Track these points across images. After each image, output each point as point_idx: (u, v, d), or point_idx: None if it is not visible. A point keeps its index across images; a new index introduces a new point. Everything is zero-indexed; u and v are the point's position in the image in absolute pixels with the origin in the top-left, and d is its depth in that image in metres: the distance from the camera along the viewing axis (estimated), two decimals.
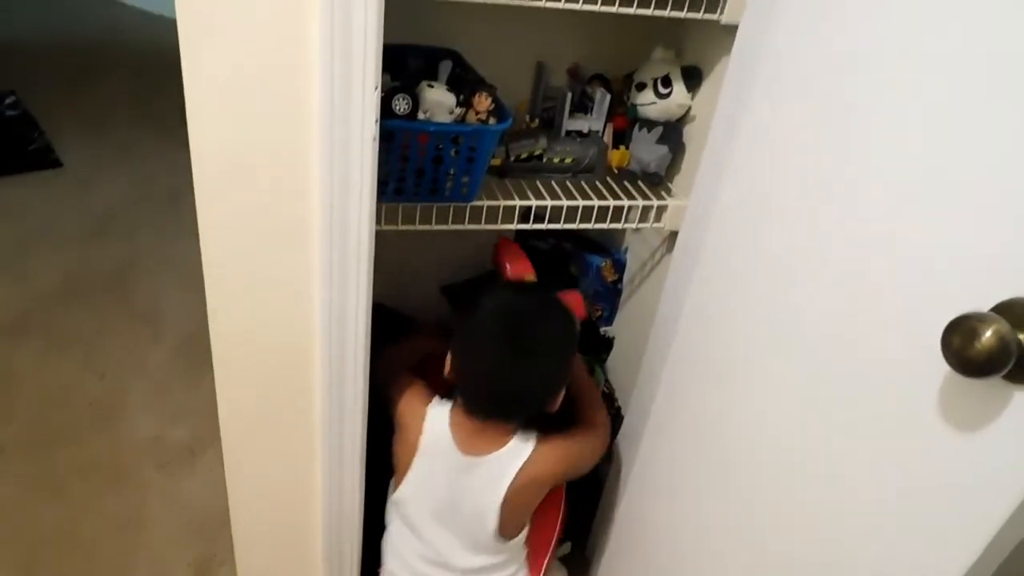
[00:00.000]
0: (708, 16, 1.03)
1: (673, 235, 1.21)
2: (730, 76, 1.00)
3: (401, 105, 0.98)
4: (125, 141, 2.98)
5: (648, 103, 1.19)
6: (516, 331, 1.06)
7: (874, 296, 0.73)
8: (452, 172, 1.06)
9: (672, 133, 1.21)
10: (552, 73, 1.26)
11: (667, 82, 1.17)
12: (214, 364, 0.98)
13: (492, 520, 1.09)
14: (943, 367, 0.58)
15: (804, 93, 0.85)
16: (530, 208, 1.15)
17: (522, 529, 1.16)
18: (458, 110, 1.03)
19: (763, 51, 0.93)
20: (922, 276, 0.67)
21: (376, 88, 0.81)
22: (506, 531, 1.12)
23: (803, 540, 0.84)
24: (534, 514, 1.18)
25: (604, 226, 1.19)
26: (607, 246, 1.51)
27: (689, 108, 1.22)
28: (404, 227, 1.10)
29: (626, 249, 1.49)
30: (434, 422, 1.11)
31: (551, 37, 1.23)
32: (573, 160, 1.20)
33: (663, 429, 1.19)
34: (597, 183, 1.22)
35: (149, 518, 1.61)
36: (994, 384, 0.58)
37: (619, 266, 1.49)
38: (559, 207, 1.15)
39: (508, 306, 1.11)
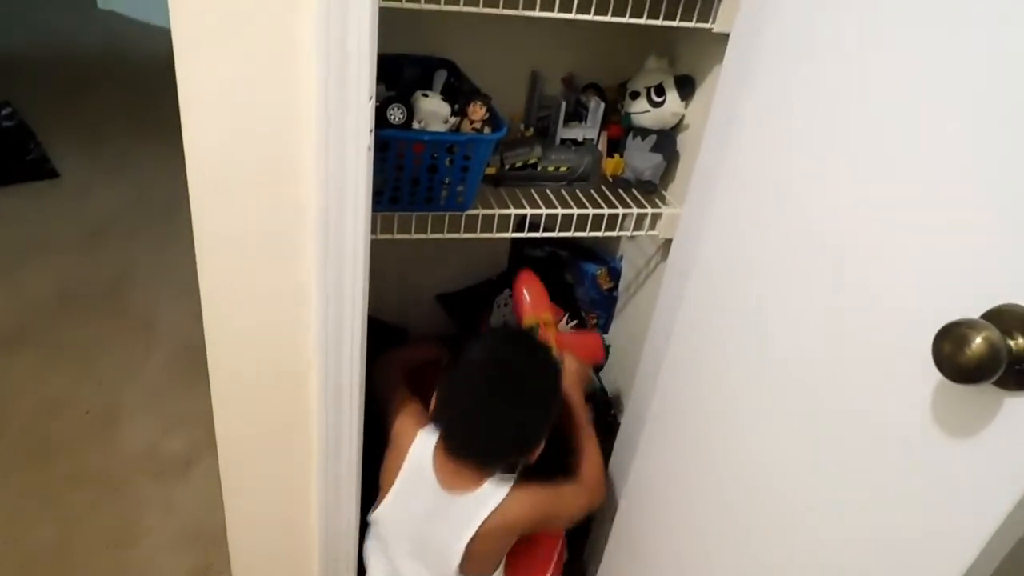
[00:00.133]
0: (700, 25, 1.04)
1: (668, 243, 1.21)
2: (722, 84, 1.01)
3: (396, 115, 0.99)
4: (121, 151, 2.98)
5: (642, 112, 1.20)
6: (498, 380, 1.06)
7: (865, 303, 0.73)
8: (447, 181, 1.07)
9: (666, 141, 1.21)
10: (547, 82, 1.26)
11: (661, 91, 1.18)
12: (210, 375, 0.98)
13: (455, 559, 1.07)
14: (934, 374, 0.58)
15: (795, 101, 0.86)
16: (525, 217, 1.15)
17: (494, 570, 1.15)
18: (453, 119, 1.04)
19: (754, 59, 0.93)
20: (913, 283, 0.67)
21: (371, 99, 0.82)
22: (472, 571, 1.10)
23: (796, 547, 0.84)
24: (529, 557, 1.17)
25: (599, 234, 1.19)
26: (602, 254, 1.52)
27: (683, 116, 1.22)
28: (400, 236, 1.11)
29: (621, 257, 1.49)
30: (420, 449, 1.11)
31: (545, 47, 1.24)
32: (568, 169, 1.20)
33: (659, 435, 1.19)
34: (592, 191, 1.23)
35: (145, 529, 1.60)
36: (985, 390, 0.58)
37: (614, 274, 1.49)
38: (554, 215, 1.16)
39: (495, 354, 1.10)
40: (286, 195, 0.87)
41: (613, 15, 1.00)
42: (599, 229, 1.19)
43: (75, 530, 1.58)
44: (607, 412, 1.48)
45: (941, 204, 0.65)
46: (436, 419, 1.11)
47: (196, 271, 0.90)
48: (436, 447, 1.10)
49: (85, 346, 2.05)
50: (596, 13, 1.00)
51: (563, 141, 1.23)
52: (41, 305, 2.17)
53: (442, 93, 1.06)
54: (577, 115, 1.25)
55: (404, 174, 1.04)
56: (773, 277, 0.89)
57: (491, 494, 1.07)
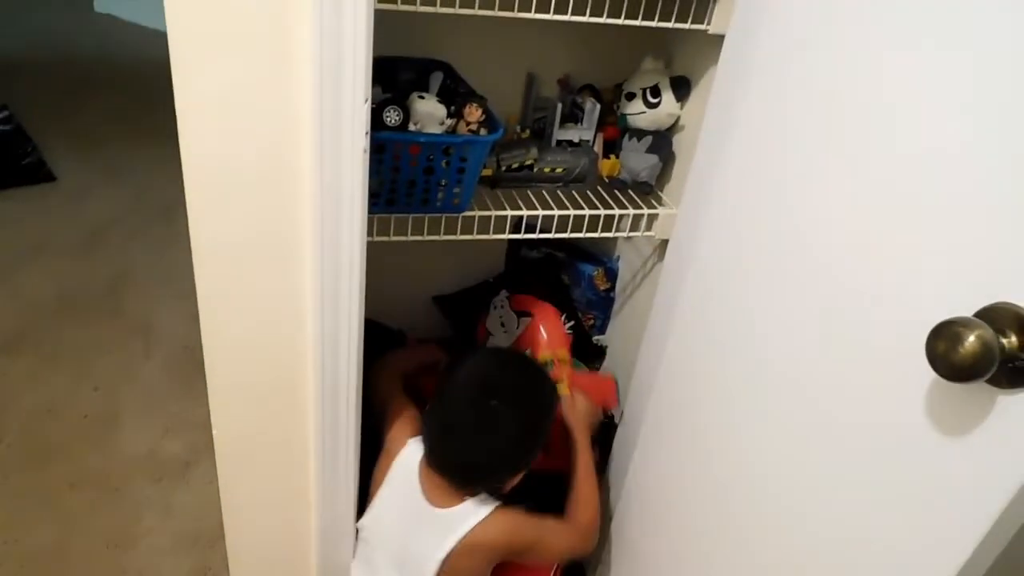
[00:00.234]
0: (696, 26, 1.04)
1: (664, 243, 1.21)
2: (718, 86, 1.01)
3: (392, 117, 0.99)
4: (118, 155, 2.98)
5: (638, 113, 1.20)
6: (481, 404, 1.06)
7: (858, 302, 0.73)
8: (443, 183, 1.07)
9: (662, 142, 1.22)
10: (543, 84, 1.26)
11: (656, 92, 1.18)
12: (207, 378, 0.99)
13: (431, 572, 1.06)
14: (928, 372, 0.59)
15: (790, 102, 0.86)
16: (522, 218, 1.15)
17: None
18: (449, 121, 1.04)
19: (749, 61, 0.94)
20: (906, 282, 0.68)
21: (366, 101, 0.82)
22: None
23: (792, 546, 0.84)
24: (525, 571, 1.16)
25: (595, 235, 1.20)
26: (599, 255, 1.52)
27: (679, 118, 1.23)
28: (396, 238, 1.11)
29: (618, 257, 1.50)
30: (409, 458, 1.11)
31: (541, 48, 1.24)
32: (564, 170, 1.21)
33: (656, 435, 1.19)
34: (588, 192, 1.23)
35: (143, 530, 1.60)
36: (978, 388, 0.59)
37: (611, 275, 1.49)
38: (551, 217, 1.16)
39: (483, 378, 1.10)
40: (282, 198, 0.87)
41: (609, 17, 1.01)
42: (595, 230, 1.19)
43: (74, 531, 1.58)
44: (603, 414, 1.48)
45: (934, 203, 0.66)
46: (422, 431, 1.11)
47: (193, 273, 0.90)
48: (422, 458, 1.10)
49: (84, 349, 2.05)
50: (592, 15, 1.00)
51: (559, 142, 1.23)
52: (40, 308, 2.18)
53: (438, 95, 1.06)
54: (573, 116, 1.26)
55: (400, 176, 1.04)
56: (767, 277, 0.89)
57: (472, 512, 1.06)
